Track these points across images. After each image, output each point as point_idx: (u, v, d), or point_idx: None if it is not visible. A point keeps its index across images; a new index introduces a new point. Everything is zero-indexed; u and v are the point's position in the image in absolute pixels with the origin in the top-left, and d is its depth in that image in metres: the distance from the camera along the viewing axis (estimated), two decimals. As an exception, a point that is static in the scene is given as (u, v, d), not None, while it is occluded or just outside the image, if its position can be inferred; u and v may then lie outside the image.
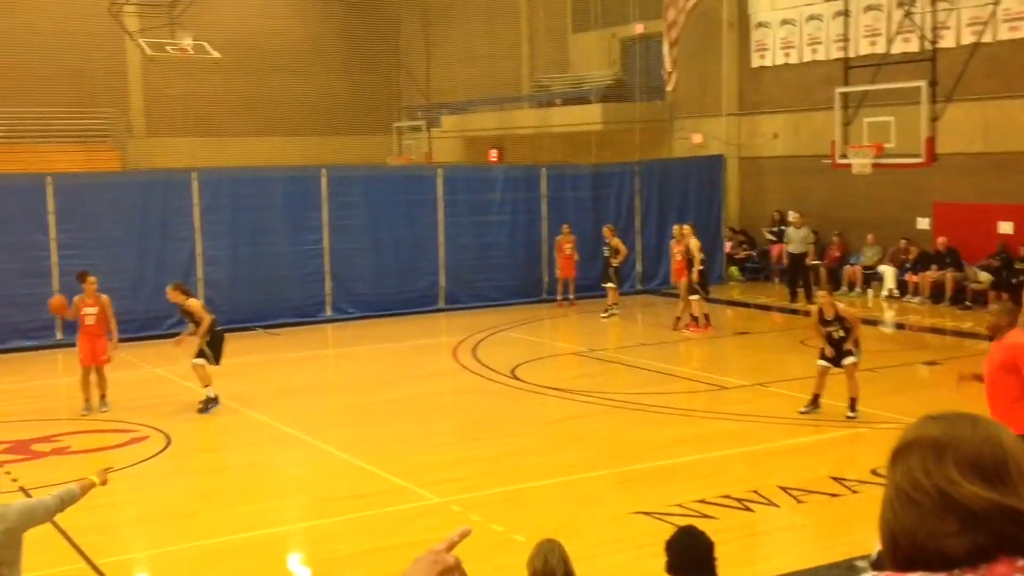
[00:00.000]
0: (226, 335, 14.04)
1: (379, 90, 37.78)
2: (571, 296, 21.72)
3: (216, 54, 27.85)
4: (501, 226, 22.25)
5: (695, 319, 18.52)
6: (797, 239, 21.80)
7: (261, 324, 19.26)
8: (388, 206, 21.16)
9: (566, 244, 21.57)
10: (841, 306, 12.84)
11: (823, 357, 12.61)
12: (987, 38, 20.32)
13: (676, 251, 19.46)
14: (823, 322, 12.58)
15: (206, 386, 13.46)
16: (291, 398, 14.44)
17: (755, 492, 9.97)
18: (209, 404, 13.45)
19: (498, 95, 32.95)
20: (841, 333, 12.46)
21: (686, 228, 19.18)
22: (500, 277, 21.92)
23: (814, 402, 12.72)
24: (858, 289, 21.88)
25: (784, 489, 10.01)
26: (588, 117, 28.12)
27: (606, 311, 20.27)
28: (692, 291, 18.47)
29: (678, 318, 18.75)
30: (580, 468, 11.04)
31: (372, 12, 37.66)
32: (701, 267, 18.51)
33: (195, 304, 13.88)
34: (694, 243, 18.62)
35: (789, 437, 12.07)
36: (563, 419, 13.15)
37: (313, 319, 20.11)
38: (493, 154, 30.83)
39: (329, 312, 20.42)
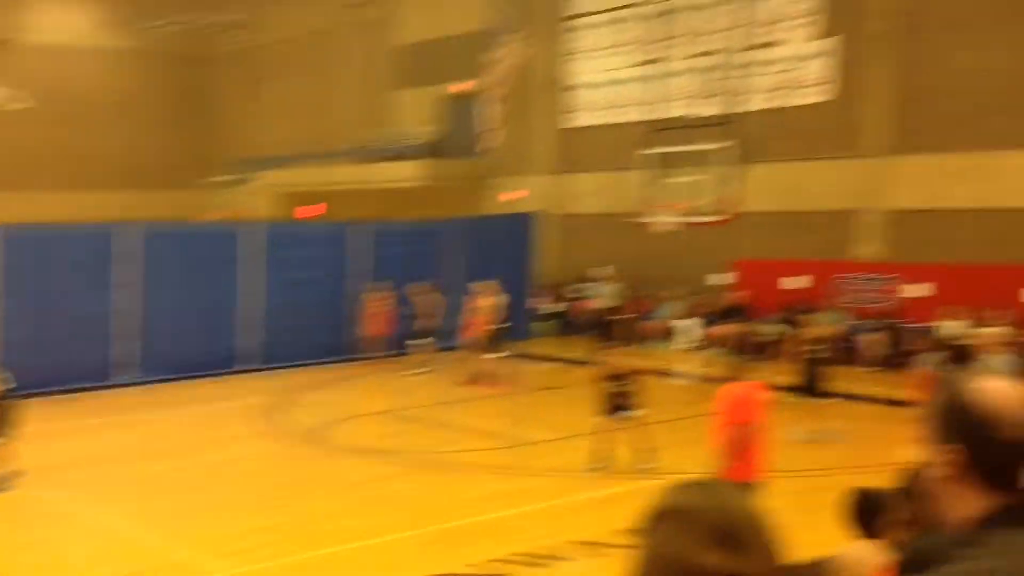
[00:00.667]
0: (23, 402, 13.25)
1: (196, 145, 37.05)
2: (382, 354, 21.56)
3: (28, 104, 26.70)
4: (316, 283, 21.96)
5: (491, 376, 18.67)
6: (608, 294, 22.35)
7: (61, 388, 18.32)
8: (200, 263, 20.59)
9: (377, 302, 21.43)
10: (627, 362, 13.19)
11: (611, 412, 12.90)
12: (784, 103, 21.49)
13: (476, 308, 19.59)
14: (610, 378, 12.90)
15: None
16: (82, 469, 13.71)
17: (555, 548, 10.04)
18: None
19: (318, 151, 32.74)
20: (626, 388, 12.81)
21: (487, 285, 19.41)
22: (313, 336, 21.57)
23: (604, 457, 12.91)
24: (659, 342, 22.53)
25: (584, 544, 10.11)
26: (408, 173, 28.24)
27: (416, 369, 20.20)
28: (487, 348, 18.70)
29: (473, 374, 18.92)
30: (383, 531, 10.87)
31: (190, 66, 37.02)
32: (497, 325, 18.75)
33: None
34: (492, 301, 18.87)
35: (592, 490, 12.23)
36: (369, 481, 12.94)
37: (117, 382, 19.26)
38: (311, 210, 30.50)
39: (135, 374, 19.61)
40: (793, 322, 20.58)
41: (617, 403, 12.86)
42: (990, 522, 2.21)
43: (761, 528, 1.86)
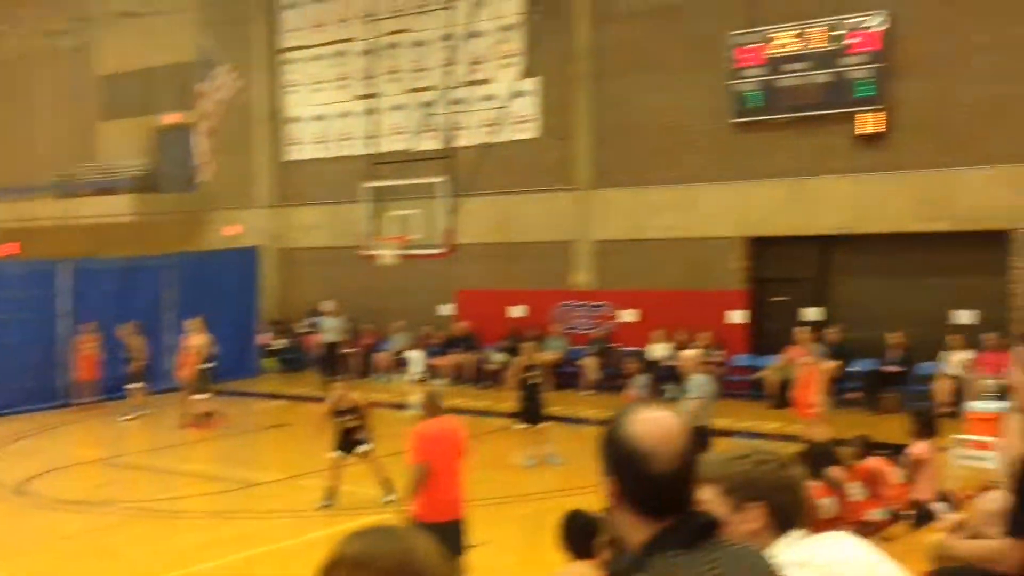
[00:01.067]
0: None
1: None
2: (93, 399, 20.38)
3: None
4: (16, 325, 20.45)
5: (204, 416, 18.12)
6: (333, 328, 22.24)
7: None
8: None
9: (86, 344, 20.29)
10: (355, 395, 13.19)
11: (338, 448, 12.83)
12: (498, 138, 22.23)
13: (186, 347, 18.99)
14: (338, 412, 12.85)
15: None
16: None
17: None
18: None
19: (14, 184, 30.56)
20: (356, 422, 12.80)
21: (194, 323, 18.85)
22: (13, 381, 20.06)
23: (331, 494, 12.79)
24: (388, 375, 22.65)
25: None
26: (117, 208, 26.93)
27: (131, 413, 19.26)
28: (196, 389, 18.15)
29: (190, 416, 18.32)
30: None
31: None
32: (205, 364, 18.21)
33: None
34: (198, 340, 18.34)
35: (322, 529, 12.07)
36: (82, 533, 12.19)
37: None
38: (7, 248, 28.42)
39: None
40: (516, 350, 21.27)
41: (350, 438, 12.80)
42: (650, 547, 2.35)
43: (439, 570, 1.91)
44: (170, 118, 27.96)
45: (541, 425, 14.71)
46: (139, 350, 19.80)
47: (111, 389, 20.45)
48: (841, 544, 2.72)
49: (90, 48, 30.25)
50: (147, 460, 16.37)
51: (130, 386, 19.59)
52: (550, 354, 20.87)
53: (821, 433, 12.44)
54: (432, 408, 9.08)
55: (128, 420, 19.12)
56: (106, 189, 28.04)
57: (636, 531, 2.39)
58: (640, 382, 11.84)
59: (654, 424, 2.39)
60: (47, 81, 31.41)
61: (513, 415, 15.15)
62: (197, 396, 18.12)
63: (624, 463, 2.38)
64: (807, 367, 14.05)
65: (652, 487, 2.36)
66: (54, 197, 29.54)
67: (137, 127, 29.25)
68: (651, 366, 19.52)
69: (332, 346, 22.14)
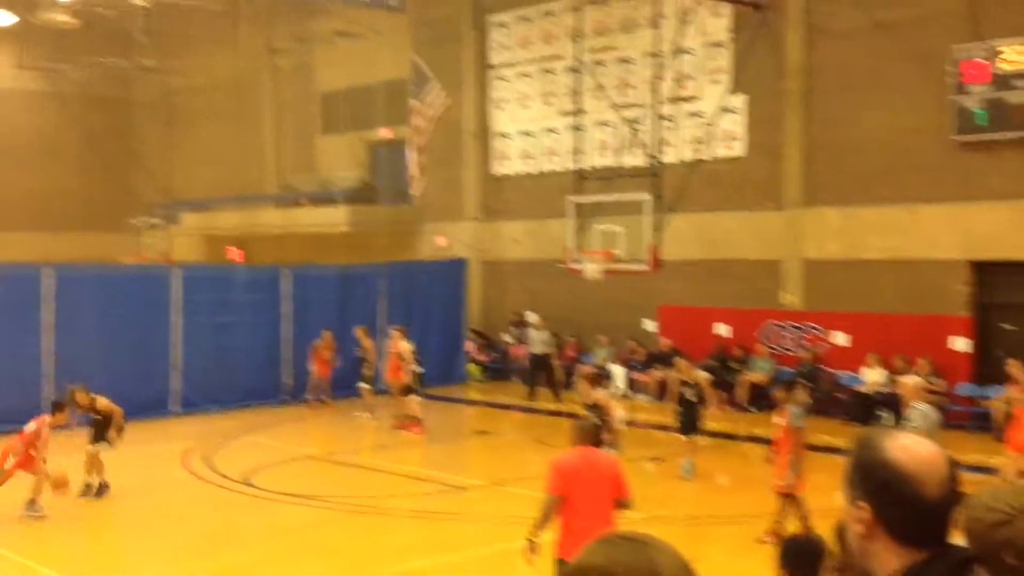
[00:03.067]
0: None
1: (114, 187, 36.51)
2: (324, 397, 21.65)
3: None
4: (242, 327, 21.77)
5: (414, 419, 18.72)
6: (539, 340, 22.63)
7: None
8: (120, 306, 20.28)
9: (324, 347, 21.57)
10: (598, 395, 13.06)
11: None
12: (705, 155, 22.06)
13: (392, 352, 19.71)
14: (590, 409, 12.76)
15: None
16: (3, 511, 13.36)
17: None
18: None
19: (242, 194, 32.54)
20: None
21: (399, 330, 19.59)
22: (239, 379, 21.35)
23: None
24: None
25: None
26: (334, 218, 28.22)
27: (364, 412, 20.26)
28: (407, 391, 18.79)
29: (400, 418, 19.02)
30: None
31: (110, 109, 36.59)
32: (413, 368, 18.87)
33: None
34: (404, 346, 19.01)
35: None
36: (300, 528, 12.82)
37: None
38: (234, 253, 30.24)
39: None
40: (724, 368, 21.02)
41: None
42: None
43: None
44: (384, 133, 29.11)
45: (693, 437, 14.82)
46: (371, 352, 20.75)
47: (334, 390, 21.66)
48: None
49: (311, 66, 31.88)
50: (362, 459, 17.07)
51: (362, 385, 20.59)
52: (762, 374, 20.54)
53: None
54: (579, 438, 8.50)
55: (366, 417, 20.09)
56: (324, 200, 29.43)
57: (889, 561, 2.29)
58: (795, 412, 11.48)
59: (917, 449, 2.30)
60: (271, 97, 33.30)
61: (674, 428, 15.51)
62: (411, 398, 18.79)
63: (887, 488, 2.28)
64: (1020, 403, 13.23)
65: (917, 514, 2.26)
66: (276, 206, 31.25)
67: (353, 142, 30.61)
68: (859, 393, 18.92)
69: (538, 357, 22.55)
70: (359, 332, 21.11)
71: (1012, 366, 14.79)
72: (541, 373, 22.51)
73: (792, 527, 11.03)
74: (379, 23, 27.83)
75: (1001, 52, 18.28)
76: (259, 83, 33.36)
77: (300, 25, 30.90)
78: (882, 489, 2.29)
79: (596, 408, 12.39)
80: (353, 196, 28.98)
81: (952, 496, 2.29)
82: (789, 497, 11.53)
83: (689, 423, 15.09)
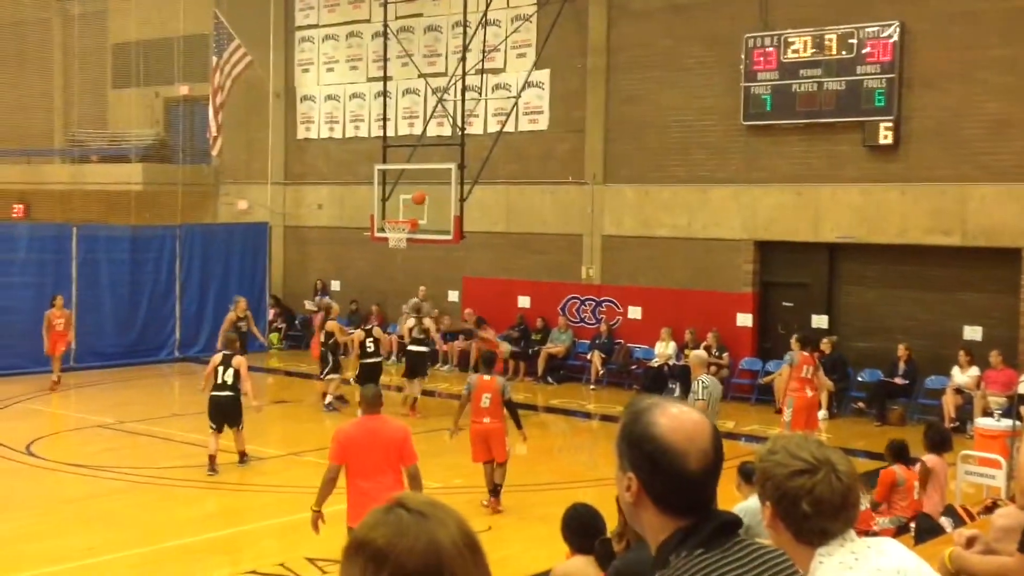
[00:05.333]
0: None
1: None
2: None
3: None
4: (24, 288, 20.56)
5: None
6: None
7: None
8: None
9: (58, 318, 19.55)
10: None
11: None
12: (509, 128, 22.30)
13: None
14: None
15: None
16: None
17: (283, 566, 10.00)
18: None
19: (26, 148, 30.61)
20: None
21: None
22: (20, 345, 20.17)
23: None
24: (393, 359, 22.73)
25: (311, 560, 10.11)
26: (127, 176, 26.98)
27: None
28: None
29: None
30: (100, 551, 10.43)
31: None
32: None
33: None
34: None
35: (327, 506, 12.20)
36: (84, 498, 12.35)
37: None
38: (17, 209, 28.51)
39: None
40: (528, 340, 21.43)
41: None
42: (671, 545, 2.34)
43: (466, 563, 1.84)
44: (183, 89, 28.00)
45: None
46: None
47: (122, 355, 21.02)
48: (890, 553, 2.69)
49: (105, 15, 30.27)
50: (151, 428, 16.46)
51: None
52: (555, 346, 21.04)
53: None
54: (366, 406, 8.60)
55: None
56: (116, 157, 28.10)
57: (658, 529, 2.38)
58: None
59: (682, 421, 2.36)
60: (60, 45, 31.42)
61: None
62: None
63: (652, 460, 2.34)
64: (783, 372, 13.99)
65: (681, 485, 2.33)
66: (64, 162, 29.60)
67: (149, 97, 29.28)
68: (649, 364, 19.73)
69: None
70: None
71: (793, 341, 15.47)
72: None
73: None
74: (180, -27, 26.69)
75: (790, 43, 19.26)
76: (47, 29, 31.39)
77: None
78: (647, 460, 2.35)
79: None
80: (148, 154, 27.78)
81: (714, 467, 2.37)
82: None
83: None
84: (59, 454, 14.36)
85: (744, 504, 7.10)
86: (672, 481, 2.33)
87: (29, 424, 16.14)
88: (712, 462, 2.37)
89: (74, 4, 30.32)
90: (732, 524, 2.39)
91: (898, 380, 17.76)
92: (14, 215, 28.69)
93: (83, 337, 21.02)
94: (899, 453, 10.01)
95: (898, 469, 9.86)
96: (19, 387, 18.99)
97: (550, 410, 17.98)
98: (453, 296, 23.43)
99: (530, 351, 21.38)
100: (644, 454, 2.35)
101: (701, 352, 13.20)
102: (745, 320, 19.82)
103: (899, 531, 9.19)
